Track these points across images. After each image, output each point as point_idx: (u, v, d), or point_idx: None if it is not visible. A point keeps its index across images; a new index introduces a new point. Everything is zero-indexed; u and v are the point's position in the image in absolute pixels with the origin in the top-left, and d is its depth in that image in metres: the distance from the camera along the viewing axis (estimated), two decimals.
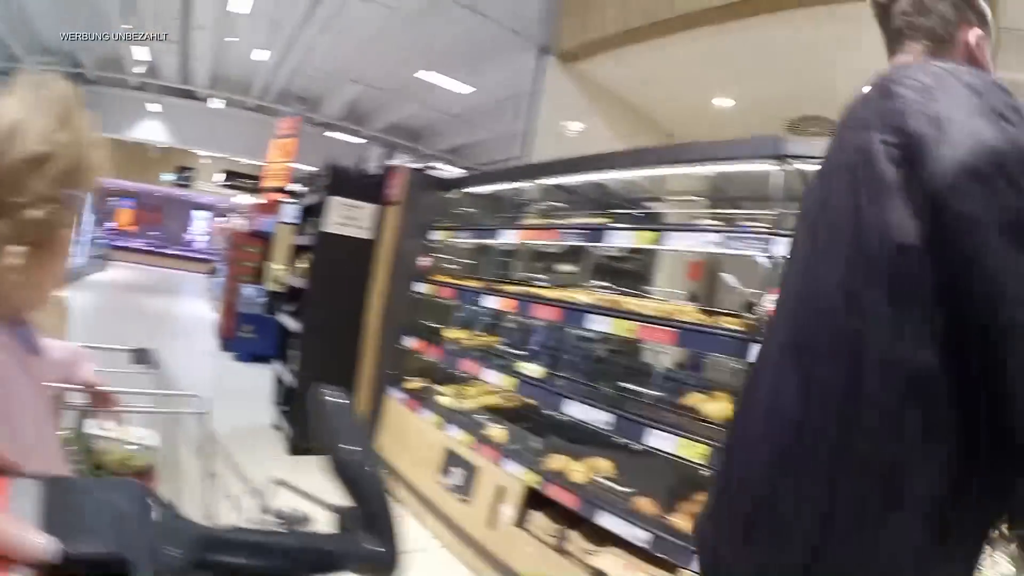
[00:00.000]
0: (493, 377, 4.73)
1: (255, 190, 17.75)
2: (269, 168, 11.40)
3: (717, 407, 3.61)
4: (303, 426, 6.20)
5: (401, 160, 6.59)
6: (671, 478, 3.72)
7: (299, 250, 7.31)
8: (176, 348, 10.34)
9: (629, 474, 3.93)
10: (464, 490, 4.71)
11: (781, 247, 3.13)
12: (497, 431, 4.63)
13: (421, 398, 5.57)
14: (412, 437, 5.54)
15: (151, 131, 20.69)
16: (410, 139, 19.59)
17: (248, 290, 10.96)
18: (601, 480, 3.89)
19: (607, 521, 3.57)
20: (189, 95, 19.28)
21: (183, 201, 30.68)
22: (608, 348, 5.17)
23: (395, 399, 5.89)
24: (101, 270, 21.31)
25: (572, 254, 4.49)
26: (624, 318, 3.75)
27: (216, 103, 19.05)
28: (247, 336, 10.69)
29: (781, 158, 3.29)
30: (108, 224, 27.68)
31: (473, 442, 4.74)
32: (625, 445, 3.86)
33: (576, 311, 4.07)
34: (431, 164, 6.55)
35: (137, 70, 17.29)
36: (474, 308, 5.20)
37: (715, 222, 3.70)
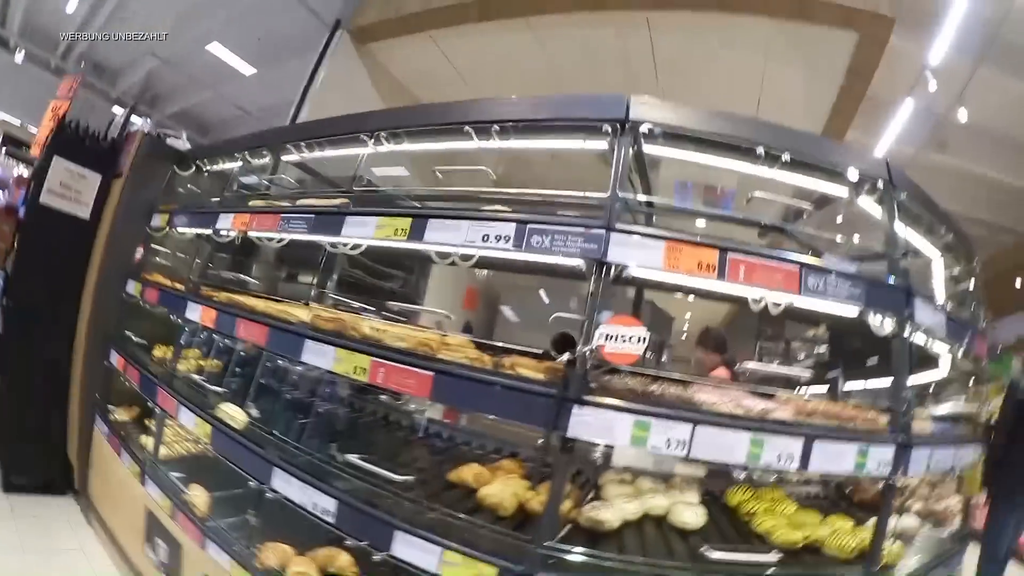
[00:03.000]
0: (188, 419, 3.14)
1: (31, 161, 14.98)
2: (39, 135, 9.09)
3: (504, 491, 2.29)
4: (17, 455, 4.52)
5: (142, 123, 4.74)
6: None
7: (19, 227, 5.31)
8: None
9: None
10: (171, 572, 3.17)
11: (620, 249, 1.93)
12: (198, 497, 3.03)
13: (122, 437, 3.86)
14: (115, 488, 3.94)
15: None
16: (200, 132, 17.28)
17: None
18: None
19: None
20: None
21: None
22: (352, 390, 3.66)
23: (101, 434, 4.16)
24: None
25: (316, 264, 2.93)
26: (353, 349, 2.30)
27: (20, 57, 15.98)
28: None
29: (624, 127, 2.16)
30: None
31: (172, 508, 3.13)
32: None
33: (290, 334, 2.58)
34: (169, 131, 4.77)
35: None
36: (179, 320, 3.53)
37: (504, 209, 2.28)
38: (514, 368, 2.00)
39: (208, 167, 4.46)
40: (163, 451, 3.56)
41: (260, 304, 2.90)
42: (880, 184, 2.33)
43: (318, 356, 2.40)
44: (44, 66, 16.30)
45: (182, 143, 4.73)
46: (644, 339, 1.93)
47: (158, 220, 4.31)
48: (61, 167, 4.43)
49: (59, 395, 4.59)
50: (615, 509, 2.38)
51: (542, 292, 7.64)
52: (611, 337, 1.92)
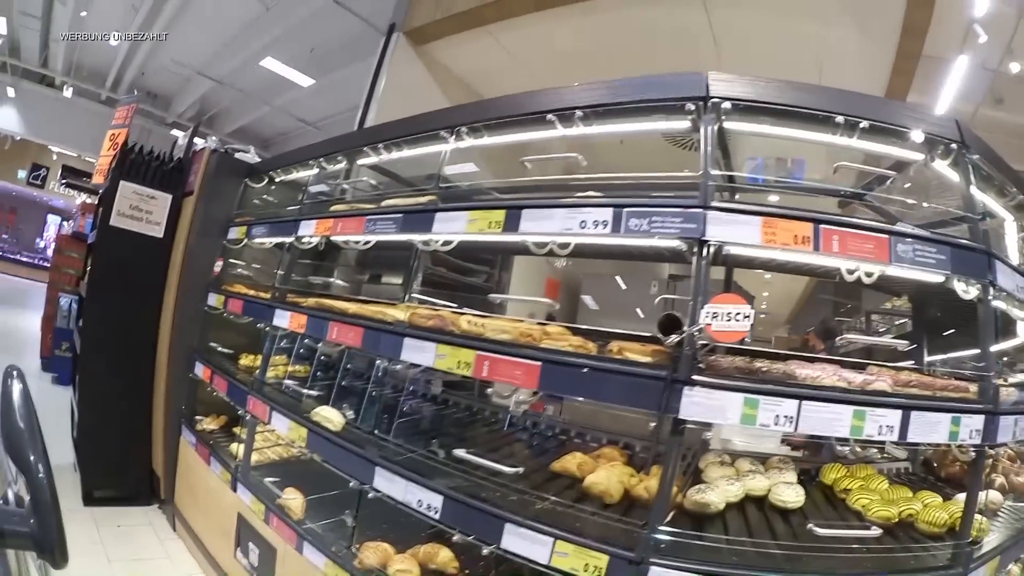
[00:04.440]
0: (281, 424, 3.16)
1: (94, 190, 15.34)
2: (100, 163, 9.27)
3: (610, 478, 2.25)
4: (99, 468, 4.59)
5: (206, 142, 4.79)
6: None
7: (90, 251, 5.47)
8: None
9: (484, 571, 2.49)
10: (264, 575, 3.17)
11: (718, 227, 1.90)
12: (293, 500, 3.05)
13: (211, 445, 3.92)
14: (203, 495, 3.99)
15: (5, 119, 17.72)
16: (260, 147, 17.25)
17: (65, 301, 8.80)
18: None
19: None
20: (47, 81, 16.65)
21: (39, 203, 26.70)
22: (447, 389, 3.63)
23: (188, 443, 4.23)
24: None
25: (398, 265, 2.90)
26: (456, 344, 2.28)
27: (69, 92, 16.34)
28: (64, 355, 8.51)
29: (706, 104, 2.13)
30: None
31: (265, 512, 3.16)
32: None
33: (388, 334, 2.57)
34: (237, 147, 4.84)
35: None
36: (267, 328, 3.56)
37: (597, 194, 2.25)
38: (621, 353, 1.96)
39: (281, 177, 4.51)
40: (254, 457, 3.61)
41: (352, 307, 2.91)
42: (953, 146, 2.25)
43: (418, 353, 2.39)
44: (95, 99, 16.69)
45: (251, 157, 4.78)
46: (749, 316, 1.89)
47: (235, 232, 4.38)
48: (129, 190, 4.53)
49: (141, 410, 4.69)
50: (719, 491, 2.34)
51: (618, 278, 7.53)
52: (717, 315, 1.88)
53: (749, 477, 2.60)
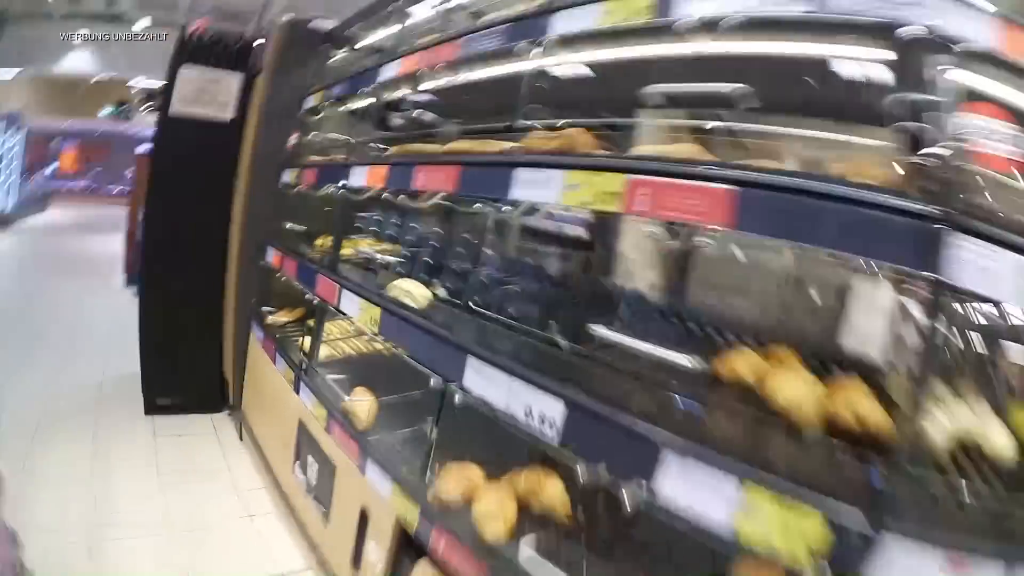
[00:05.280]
0: (351, 305, 2.53)
1: None
2: None
3: (804, 389, 1.42)
4: (163, 374, 4.21)
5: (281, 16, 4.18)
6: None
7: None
8: (81, 288, 8.50)
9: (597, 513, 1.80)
10: (322, 497, 2.67)
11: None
12: (359, 404, 2.47)
13: (277, 339, 3.41)
14: (268, 399, 3.52)
15: (80, 62, 17.72)
16: None
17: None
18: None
19: None
20: (116, 19, 16.42)
21: (126, 136, 27.37)
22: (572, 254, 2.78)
23: (256, 340, 3.77)
24: (39, 212, 19.02)
25: (500, 113, 2.09)
26: (594, 167, 1.52)
27: (143, 23, 16.19)
28: None
29: None
30: (51, 167, 24.67)
31: (327, 419, 2.60)
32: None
33: (493, 167, 1.84)
34: (312, 17, 4.19)
35: None
36: (339, 194, 2.91)
37: None
38: (852, 175, 1.19)
39: (364, 41, 3.74)
40: (325, 352, 3.05)
41: (442, 150, 2.22)
42: None
43: (535, 188, 1.66)
44: (170, 25, 16.50)
45: (328, 23, 4.15)
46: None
47: (312, 100, 3.79)
48: (192, 74, 4.03)
49: (210, 309, 4.30)
50: (944, 424, 1.50)
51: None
52: (983, 133, 1.16)
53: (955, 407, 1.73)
